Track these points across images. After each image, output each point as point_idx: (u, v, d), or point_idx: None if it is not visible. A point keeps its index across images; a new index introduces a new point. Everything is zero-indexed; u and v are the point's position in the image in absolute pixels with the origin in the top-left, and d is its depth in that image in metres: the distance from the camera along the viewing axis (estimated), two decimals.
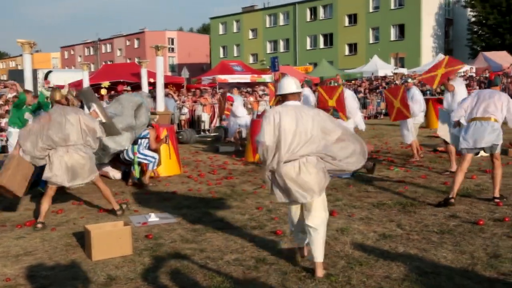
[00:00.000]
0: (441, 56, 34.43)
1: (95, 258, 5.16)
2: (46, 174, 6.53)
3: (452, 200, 6.81)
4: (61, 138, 6.47)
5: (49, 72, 25.86)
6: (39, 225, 6.43)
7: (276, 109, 4.63)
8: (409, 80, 11.25)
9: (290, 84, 4.74)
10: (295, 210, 4.89)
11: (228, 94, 15.31)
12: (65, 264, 5.11)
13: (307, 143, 4.46)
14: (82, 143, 6.61)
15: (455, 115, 7.35)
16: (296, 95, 4.74)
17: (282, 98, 4.80)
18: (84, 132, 6.62)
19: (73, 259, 5.25)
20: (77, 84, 20.28)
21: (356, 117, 10.44)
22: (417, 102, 10.57)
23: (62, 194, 8.62)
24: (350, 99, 10.41)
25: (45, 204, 6.59)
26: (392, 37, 50.81)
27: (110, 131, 7.74)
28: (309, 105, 10.15)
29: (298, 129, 4.45)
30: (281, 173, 4.52)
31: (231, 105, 14.54)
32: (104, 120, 7.48)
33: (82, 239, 5.67)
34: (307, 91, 11.80)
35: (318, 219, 4.63)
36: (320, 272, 4.54)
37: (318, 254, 4.58)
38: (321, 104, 9.96)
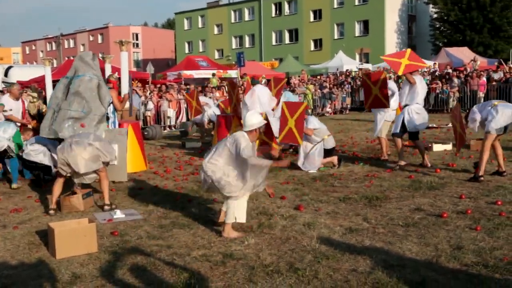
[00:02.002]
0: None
1: (59, 256, 5.06)
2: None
3: (482, 178, 7.82)
4: None
5: (10, 67, 25.17)
6: (51, 212, 6.81)
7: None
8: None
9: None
10: None
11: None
12: (28, 263, 4.99)
13: None
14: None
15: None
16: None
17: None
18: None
19: (37, 258, 5.13)
20: (39, 80, 19.81)
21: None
22: (393, 95, 10.39)
23: (24, 192, 8.44)
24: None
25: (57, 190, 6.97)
26: (357, 33, 51.38)
27: (117, 176, 8.13)
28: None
29: None
30: None
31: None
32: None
33: (46, 237, 5.55)
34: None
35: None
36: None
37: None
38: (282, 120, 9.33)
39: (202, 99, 15.32)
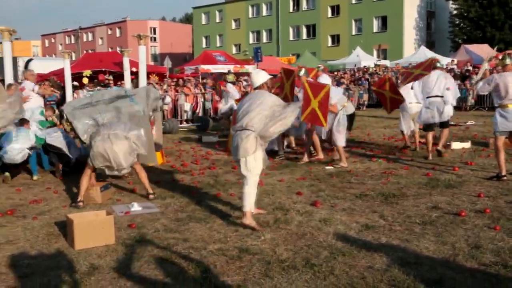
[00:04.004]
0: (423, 50, 34.72)
1: (78, 247, 5.12)
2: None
3: (505, 178, 7.75)
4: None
5: (30, 60, 25.45)
6: (80, 204, 6.86)
7: None
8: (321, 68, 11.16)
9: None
10: None
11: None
12: (48, 253, 5.06)
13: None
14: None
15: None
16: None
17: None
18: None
19: (56, 248, 5.20)
20: (59, 73, 20.00)
21: None
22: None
23: (43, 183, 8.55)
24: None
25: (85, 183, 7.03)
26: (375, 29, 51.05)
27: (147, 159, 8.10)
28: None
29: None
30: None
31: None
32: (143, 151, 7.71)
33: (64, 228, 5.62)
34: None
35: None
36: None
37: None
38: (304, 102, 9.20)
39: (229, 88, 15.17)
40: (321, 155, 9.98)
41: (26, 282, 4.36)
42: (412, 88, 10.50)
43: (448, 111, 9.68)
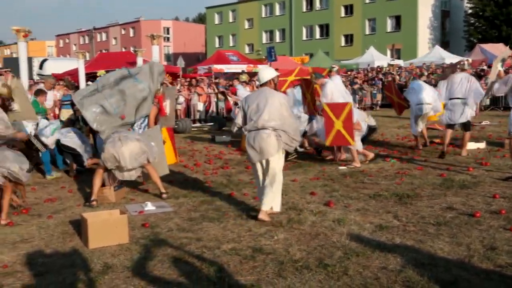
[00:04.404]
0: (437, 50, 34.45)
1: (92, 246, 5.15)
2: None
3: None
4: None
5: (45, 60, 25.69)
6: (94, 203, 6.89)
7: None
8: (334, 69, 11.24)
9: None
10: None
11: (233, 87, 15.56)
12: (62, 252, 5.10)
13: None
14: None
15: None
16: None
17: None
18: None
19: (70, 247, 5.24)
20: (73, 73, 20.15)
21: None
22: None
23: (57, 182, 8.61)
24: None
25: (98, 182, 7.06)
26: (389, 29, 50.79)
27: (167, 123, 8.57)
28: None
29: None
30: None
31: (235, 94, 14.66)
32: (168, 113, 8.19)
33: (79, 227, 5.67)
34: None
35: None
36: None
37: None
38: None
39: (240, 94, 15.20)
40: (343, 156, 9.91)
41: (41, 280, 4.39)
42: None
43: (469, 113, 9.79)
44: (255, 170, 6.25)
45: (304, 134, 10.58)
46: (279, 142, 5.96)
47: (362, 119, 9.44)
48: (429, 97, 10.55)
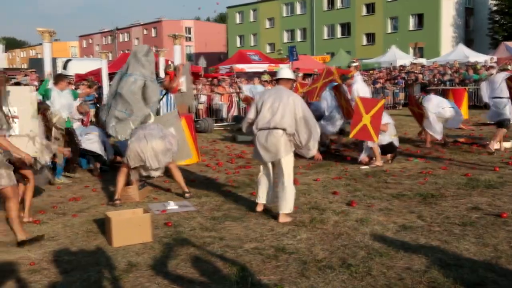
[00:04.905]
0: (461, 48, 34.00)
1: (116, 244, 5.19)
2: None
3: None
4: None
5: (69, 60, 26.01)
6: (117, 202, 6.93)
7: None
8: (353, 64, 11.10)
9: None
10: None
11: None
12: (87, 250, 5.16)
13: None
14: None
15: None
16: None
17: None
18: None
19: (95, 245, 5.29)
20: (96, 73, 20.36)
21: None
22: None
23: (81, 181, 8.71)
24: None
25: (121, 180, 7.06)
26: (411, 27, 50.23)
27: (186, 101, 8.68)
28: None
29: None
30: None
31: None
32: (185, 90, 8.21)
33: (103, 225, 5.73)
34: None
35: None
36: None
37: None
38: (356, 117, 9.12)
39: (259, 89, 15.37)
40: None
41: (67, 278, 4.45)
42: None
43: (508, 111, 9.91)
44: (264, 170, 6.27)
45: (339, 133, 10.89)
46: (290, 143, 5.96)
47: (390, 134, 9.31)
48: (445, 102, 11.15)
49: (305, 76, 19.97)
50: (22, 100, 6.59)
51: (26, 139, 6.68)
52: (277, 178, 6.18)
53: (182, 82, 8.88)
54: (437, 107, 10.87)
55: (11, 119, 5.76)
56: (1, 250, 5.20)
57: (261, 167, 6.33)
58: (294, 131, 5.89)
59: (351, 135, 9.22)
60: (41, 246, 5.29)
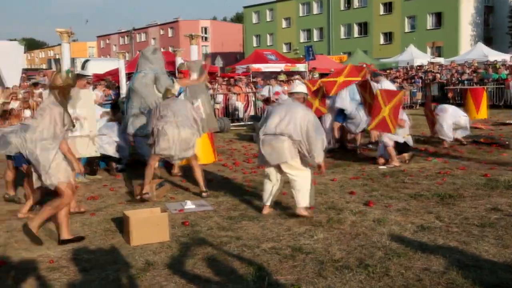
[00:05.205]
0: (480, 47, 33.62)
1: (134, 243, 5.23)
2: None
3: None
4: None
5: (87, 61, 26.25)
6: (147, 196, 7.05)
7: None
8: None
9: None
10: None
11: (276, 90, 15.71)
12: (105, 249, 5.21)
13: None
14: (188, 123, 7.25)
15: None
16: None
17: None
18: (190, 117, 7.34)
19: (113, 244, 5.34)
20: (114, 73, 20.51)
21: None
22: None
23: (99, 180, 8.78)
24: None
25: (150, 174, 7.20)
26: (429, 26, 49.82)
27: (209, 124, 8.64)
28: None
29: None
30: None
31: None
32: (203, 116, 8.26)
33: (121, 224, 5.77)
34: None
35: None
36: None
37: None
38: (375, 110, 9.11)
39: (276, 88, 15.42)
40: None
41: (86, 276, 4.50)
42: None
43: None
44: (269, 174, 6.33)
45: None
46: (295, 150, 6.02)
47: (403, 133, 9.25)
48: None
49: (322, 75, 19.87)
50: (87, 102, 6.80)
51: (87, 139, 7.01)
52: (288, 179, 6.27)
53: (193, 79, 8.93)
54: (453, 116, 10.90)
55: (75, 121, 5.99)
56: (22, 248, 5.27)
57: (266, 171, 6.39)
58: (299, 138, 5.96)
59: (370, 127, 9.25)
60: (60, 244, 5.34)
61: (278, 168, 6.23)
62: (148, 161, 7.38)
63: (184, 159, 7.56)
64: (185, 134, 7.19)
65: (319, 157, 6.05)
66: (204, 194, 7.33)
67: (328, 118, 10.96)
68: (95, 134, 7.39)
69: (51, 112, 5.25)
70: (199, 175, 7.48)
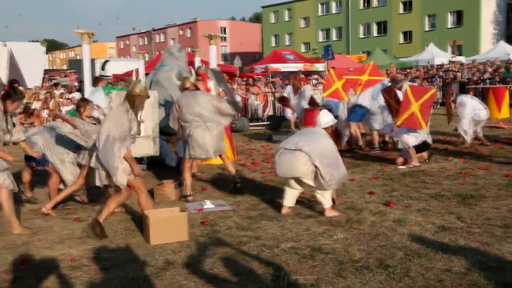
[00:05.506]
0: (502, 45, 33.17)
1: (153, 242, 5.27)
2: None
3: None
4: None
5: (107, 61, 26.48)
6: (190, 198, 7.17)
7: None
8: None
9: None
10: None
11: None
12: (125, 248, 5.25)
13: None
14: (214, 120, 7.33)
15: None
16: None
17: None
18: (214, 111, 7.36)
19: (133, 243, 5.38)
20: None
21: None
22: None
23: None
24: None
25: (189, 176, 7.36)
26: (449, 24, 49.23)
27: (236, 109, 8.82)
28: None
29: None
30: None
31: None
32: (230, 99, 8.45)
33: (140, 223, 5.81)
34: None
35: None
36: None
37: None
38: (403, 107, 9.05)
39: (307, 89, 15.34)
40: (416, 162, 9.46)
41: (107, 275, 4.54)
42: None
43: None
44: (288, 182, 6.35)
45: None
46: (311, 168, 6.00)
47: (423, 132, 9.16)
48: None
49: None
50: (147, 104, 6.96)
51: (149, 139, 7.22)
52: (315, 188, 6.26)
53: (210, 87, 8.99)
54: (473, 109, 10.68)
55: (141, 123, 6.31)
56: (44, 247, 5.34)
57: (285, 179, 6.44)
58: (318, 159, 5.94)
59: (398, 123, 9.12)
60: (81, 243, 5.41)
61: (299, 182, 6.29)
62: (184, 165, 7.47)
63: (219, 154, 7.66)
64: (215, 133, 7.32)
65: (331, 185, 6.07)
66: (238, 185, 7.50)
67: (344, 116, 10.89)
68: (156, 135, 7.61)
69: (122, 118, 5.49)
70: (230, 166, 7.65)
